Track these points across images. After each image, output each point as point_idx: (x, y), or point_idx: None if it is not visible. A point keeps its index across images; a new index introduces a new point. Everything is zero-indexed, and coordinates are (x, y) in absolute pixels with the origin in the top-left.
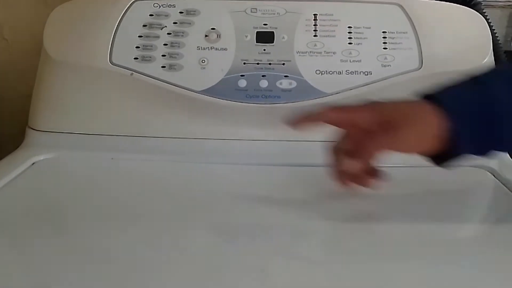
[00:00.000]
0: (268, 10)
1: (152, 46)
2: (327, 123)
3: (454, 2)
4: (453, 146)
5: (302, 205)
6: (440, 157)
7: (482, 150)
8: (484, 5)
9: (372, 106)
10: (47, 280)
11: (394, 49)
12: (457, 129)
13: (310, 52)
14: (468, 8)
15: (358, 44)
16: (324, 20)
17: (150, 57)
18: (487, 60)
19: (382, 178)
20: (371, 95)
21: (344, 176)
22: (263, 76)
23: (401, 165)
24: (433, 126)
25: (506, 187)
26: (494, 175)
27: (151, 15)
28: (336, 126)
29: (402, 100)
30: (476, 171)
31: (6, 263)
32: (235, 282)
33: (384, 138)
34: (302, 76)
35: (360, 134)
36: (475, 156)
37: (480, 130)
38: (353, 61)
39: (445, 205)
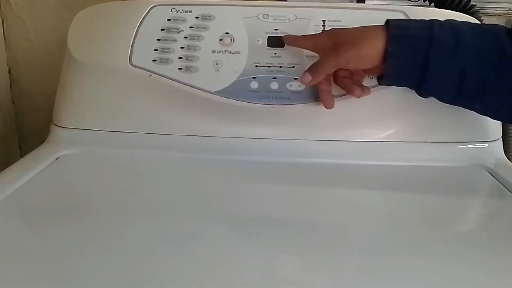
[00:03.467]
0: (279, 16)
1: (169, 49)
2: (300, 47)
3: (453, 10)
4: (387, 65)
5: (308, 200)
6: (383, 77)
7: (411, 74)
8: (481, 13)
9: (328, 32)
10: (69, 270)
11: None
12: (390, 49)
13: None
14: (467, 15)
15: None
16: (332, 26)
17: (168, 59)
18: None
19: (365, 90)
20: (376, 97)
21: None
22: (274, 78)
23: (401, 162)
24: (374, 47)
25: (504, 185)
26: (492, 174)
27: (168, 19)
28: (306, 49)
29: (355, 27)
30: (475, 170)
31: (31, 253)
32: (243, 275)
33: (329, 57)
34: None
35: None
36: (407, 80)
37: (410, 52)
38: None
39: (444, 202)
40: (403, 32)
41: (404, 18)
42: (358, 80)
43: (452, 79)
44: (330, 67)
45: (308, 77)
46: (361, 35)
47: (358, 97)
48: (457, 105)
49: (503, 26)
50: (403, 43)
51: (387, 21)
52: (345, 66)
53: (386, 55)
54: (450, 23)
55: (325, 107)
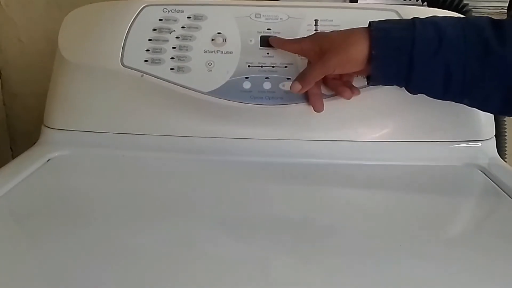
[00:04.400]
0: (272, 16)
1: (161, 49)
2: (286, 50)
3: (446, 9)
4: (372, 68)
5: (302, 200)
6: (370, 78)
7: (397, 75)
8: (474, 12)
9: (314, 37)
10: (61, 274)
11: None
12: (373, 53)
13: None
14: (459, 14)
15: None
16: (324, 25)
17: (160, 59)
18: None
19: (354, 91)
20: (368, 97)
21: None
22: (266, 78)
23: (395, 162)
24: (358, 51)
25: (496, 184)
26: (485, 174)
27: (160, 19)
28: (292, 52)
29: (340, 31)
30: (468, 170)
31: (22, 257)
32: (238, 278)
33: (315, 66)
34: None
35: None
36: (394, 80)
37: (393, 54)
38: None
39: (438, 202)
40: (385, 34)
41: (387, 19)
42: (348, 81)
43: (438, 76)
44: (317, 75)
45: (298, 86)
46: (344, 40)
47: (348, 99)
48: (446, 100)
49: (489, 17)
50: (386, 45)
51: (370, 23)
52: (332, 72)
53: (371, 58)
54: (432, 20)
55: (315, 110)
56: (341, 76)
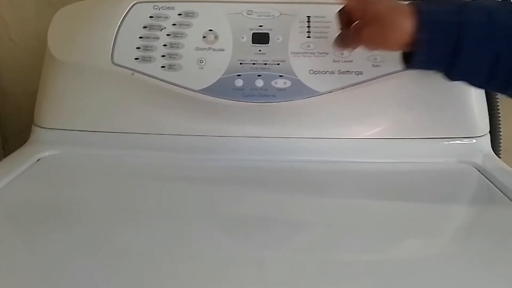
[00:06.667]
0: (264, 12)
1: (152, 46)
2: None
3: None
4: (415, 53)
5: (296, 199)
6: (409, 59)
7: (441, 60)
8: None
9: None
10: (52, 275)
11: None
12: (419, 36)
13: (304, 52)
14: None
15: None
16: (317, 22)
17: (150, 57)
18: None
19: None
20: (362, 94)
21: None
22: (258, 75)
23: (389, 160)
24: (400, 30)
25: (490, 181)
26: (479, 170)
27: (151, 17)
28: None
29: (386, 3)
30: (462, 167)
31: (12, 258)
32: (235, 275)
33: (355, 37)
34: (296, 76)
35: (346, 23)
36: (436, 66)
37: (441, 40)
38: (345, 61)
39: (430, 199)
40: (433, 18)
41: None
42: None
43: (485, 64)
44: (350, 46)
45: (335, 47)
46: (389, 18)
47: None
48: (488, 89)
49: None
50: (434, 30)
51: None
52: (368, 46)
53: (414, 43)
54: (482, 4)
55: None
56: None
